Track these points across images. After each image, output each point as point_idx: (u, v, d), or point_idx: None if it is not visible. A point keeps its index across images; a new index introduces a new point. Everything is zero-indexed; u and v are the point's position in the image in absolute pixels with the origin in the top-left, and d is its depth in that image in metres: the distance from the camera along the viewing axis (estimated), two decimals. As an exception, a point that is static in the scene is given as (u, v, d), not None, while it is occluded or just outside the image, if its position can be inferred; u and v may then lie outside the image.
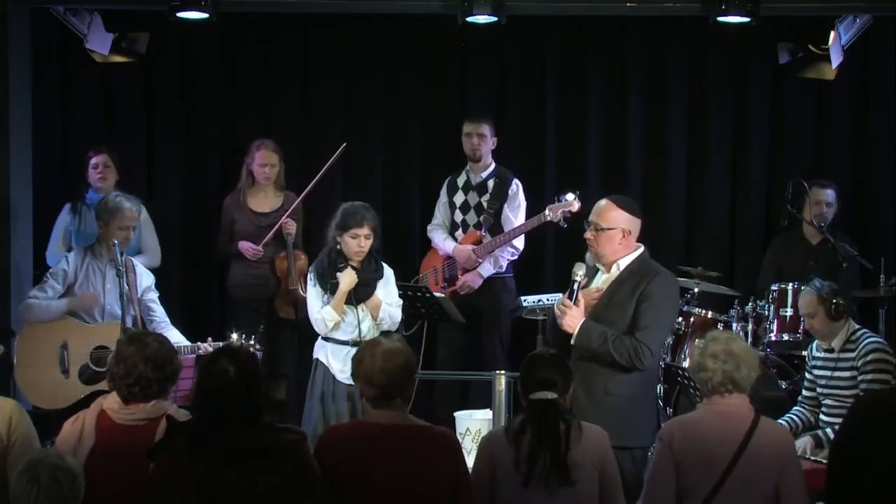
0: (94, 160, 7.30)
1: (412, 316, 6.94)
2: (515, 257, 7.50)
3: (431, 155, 8.20)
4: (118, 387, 4.23)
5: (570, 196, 6.98)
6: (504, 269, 7.48)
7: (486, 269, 7.42)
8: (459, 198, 7.62)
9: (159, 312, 6.44)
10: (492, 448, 4.27)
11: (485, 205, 7.52)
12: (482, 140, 7.51)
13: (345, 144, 7.36)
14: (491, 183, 7.55)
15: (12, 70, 6.89)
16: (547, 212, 7.06)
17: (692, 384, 6.35)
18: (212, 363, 3.84)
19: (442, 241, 7.56)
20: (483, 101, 8.15)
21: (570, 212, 6.94)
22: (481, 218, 7.51)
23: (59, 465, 3.66)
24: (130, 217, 6.39)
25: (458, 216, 7.61)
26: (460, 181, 7.64)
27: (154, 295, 6.47)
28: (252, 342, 6.23)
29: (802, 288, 6.38)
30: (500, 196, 7.50)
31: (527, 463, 4.16)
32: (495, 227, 7.47)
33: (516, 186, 7.54)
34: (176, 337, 6.17)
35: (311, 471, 3.15)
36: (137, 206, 6.55)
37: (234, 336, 6.19)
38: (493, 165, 7.60)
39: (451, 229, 7.62)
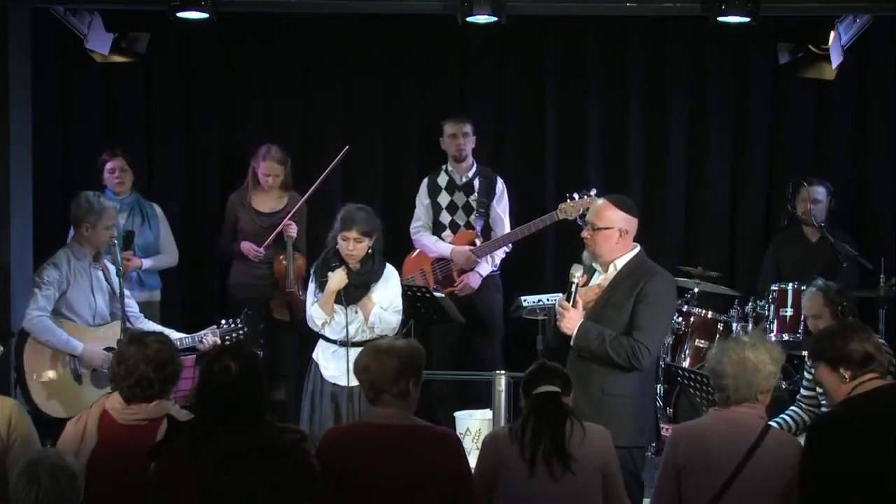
0: (109, 164, 7.32)
1: (420, 316, 6.95)
2: (506, 254, 7.53)
3: (431, 155, 8.19)
4: (119, 387, 4.23)
5: (588, 193, 6.95)
6: (497, 268, 7.49)
7: (485, 268, 7.43)
8: (444, 198, 7.59)
9: (134, 307, 6.45)
10: (495, 446, 4.28)
11: (474, 204, 7.52)
12: (467, 139, 7.52)
13: (347, 147, 7.36)
14: (477, 182, 7.55)
15: (12, 70, 6.86)
16: (560, 210, 7.05)
17: (692, 384, 6.36)
18: (214, 361, 3.84)
19: (434, 244, 7.52)
20: (483, 101, 8.15)
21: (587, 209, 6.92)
22: (471, 218, 7.51)
23: (58, 464, 3.66)
24: (114, 215, 6.42)
25: (446, 217, 7.58)
26: (442, 182, 7.61)
27: (126, 291, 6.48)
28: (239, 324, 6.28)
29: (803, 288, 6.38)
30: (488, 195, 7.51)
31: (530, 448, 4.17)
32: (486, 226, 7.49)
33: (502, 184, 7.57)
34: (151, 327, 6.24)
35: (311, 470, 3.14)
36: (117, 205, 6.64)
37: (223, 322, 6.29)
38: (475, 165, 7.60)
39: (436, 230, 7.59)
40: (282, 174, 7.39)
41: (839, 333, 4.22)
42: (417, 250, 7.60)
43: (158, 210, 7.43)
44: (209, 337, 6.23)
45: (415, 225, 7.63)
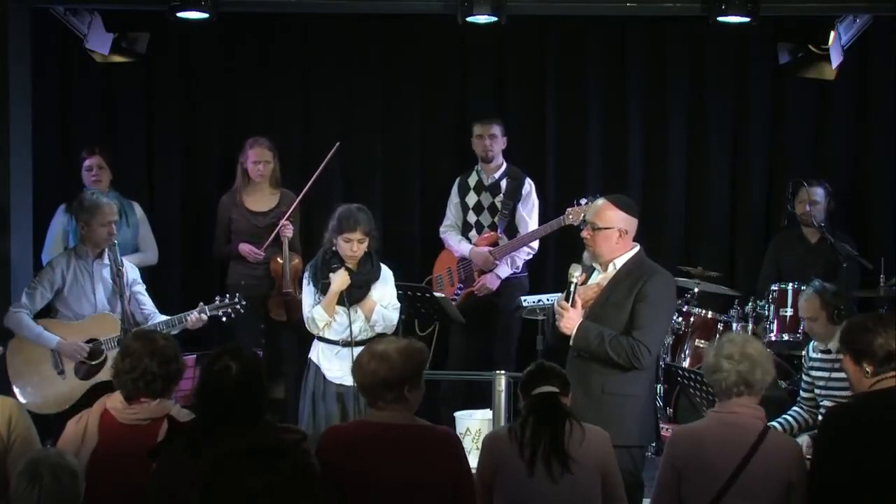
0: (87, 162, 7.29)
1: (420, 316, 6.95)
2: (531, 257, 7.52)
3: (431, 155, 8.21)
4: (122, 382, 4.21)
5: (592, 200, 6.95)
6: (520, 270, 7.49)
7: (503, 270, 7.41)
8: (472, 198, 7.61)
9: (148, 303, 6.47)
10: (495, 445, 4.29)
11: (499, 205, 7.51)
12: (494, 140, 7.52)
13: (339, 143, 7.35)
14: (504, 183, 7.55)
15: (12, 70, 6.88)
16: (567, 215, 7.05)
17: (692, 384, 6.36)
18: (214, 361, 3.84)
19: (457, 243, 7.55)
20: (483, 101, 8.16)
21: None
22: (496, 218, 7.51)
23: (59, 463, 3.67)
24: (110, 212, 6.38)
25: (472, 217, 7.60)
26: (471, 181, 7.63)
27: (141, 287, 6.48)
28: (237, 304, 6.35)
29: (803, 288, 6.38)
30: (514, 196, 7.50)
31: (529, 448, 4.18)
32: (510, 228, 7.48)
33: (529, 186, 7.55)
34: (164, 318, 6.33)
35: (311, 470, 3.13)
36: (115, 202, 6.61)
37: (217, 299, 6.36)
38: (504, 165, 7.60)
39: (464, 230, 7.62)
40: (272, 161, 7.35)
41: (869, 327, 4.19)
42: (445, 250, 7.65)
43: (138, 209, 7.38)
44: (193, 315, 6.26)
45: (444, 224, 7.69)
